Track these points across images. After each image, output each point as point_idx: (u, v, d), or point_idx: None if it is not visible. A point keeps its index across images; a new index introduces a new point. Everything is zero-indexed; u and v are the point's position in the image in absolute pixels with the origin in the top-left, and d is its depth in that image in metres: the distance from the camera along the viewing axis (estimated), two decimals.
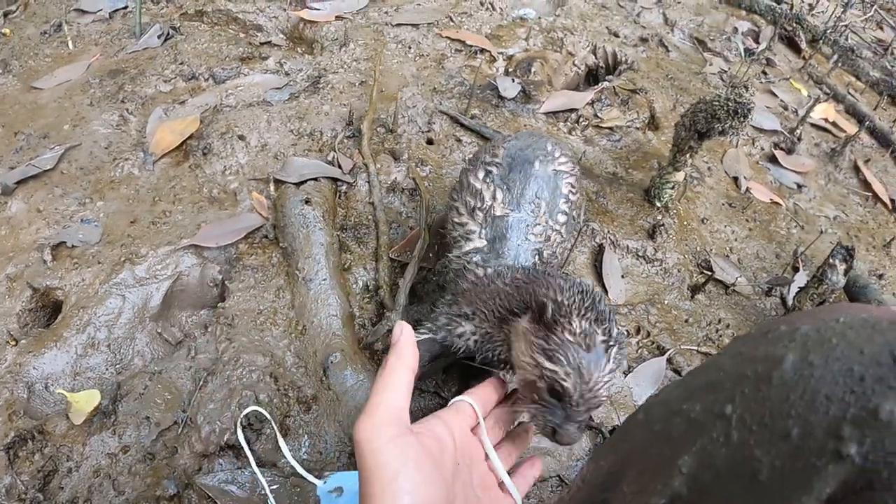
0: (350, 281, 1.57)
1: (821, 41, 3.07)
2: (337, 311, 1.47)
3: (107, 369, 1.36)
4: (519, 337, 1.03)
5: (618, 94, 2.32)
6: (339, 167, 1.79)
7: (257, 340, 1.42)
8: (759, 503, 0.51)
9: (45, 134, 1.87)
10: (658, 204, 1.89)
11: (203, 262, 1.53)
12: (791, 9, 3.18)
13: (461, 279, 1.24)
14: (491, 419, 0.99)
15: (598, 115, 2.22)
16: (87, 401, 1.27)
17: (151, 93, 2.04)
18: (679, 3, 3.12)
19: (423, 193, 1.73)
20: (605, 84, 2.35)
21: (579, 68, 2.49)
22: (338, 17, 2.43)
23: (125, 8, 2.44)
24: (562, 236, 1.31)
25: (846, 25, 3.19)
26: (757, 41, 3.01)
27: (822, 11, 3.40)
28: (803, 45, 3.06)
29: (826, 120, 2.59)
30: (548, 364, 0.95)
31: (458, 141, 1.97)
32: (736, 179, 2.16)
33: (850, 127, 2.60)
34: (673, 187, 1.86)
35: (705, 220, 1.94)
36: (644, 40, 2.73)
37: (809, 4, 3.45)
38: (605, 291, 1.66)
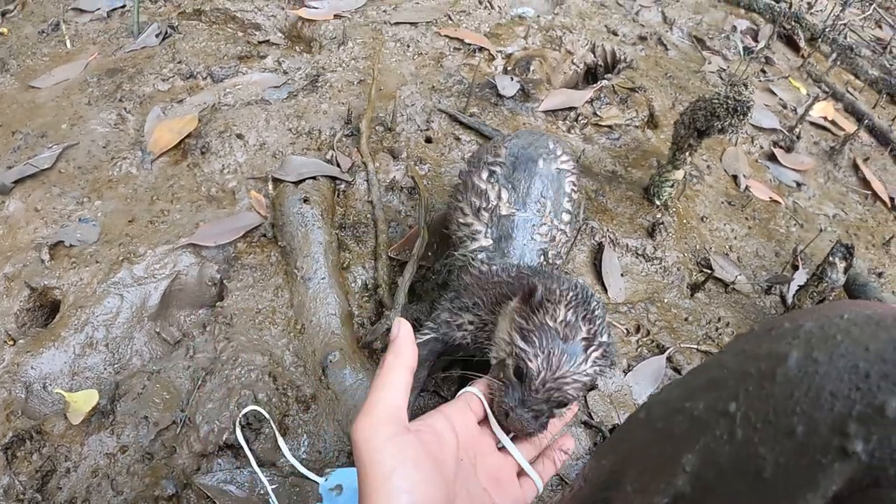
0: (349, 280, 1.57)
1: (820, 39, 3.07)
2: (336, 309, 1.46)
3: (105, 369, 1.35)
4: (505, 316, 1.04)
5: (617, 92, 2.32)
6: (338, 166, 1.78)
7: (256, 339, 1.41)
8: (764, 501, 0.50)
9: (42, 133, 1.86)
10: (657, 202, 1.89)
11: (201, 262, 1.53)
12: (790, 7, 3.18)
13: (465, 274, 1.24)
14: None
15: (597, 113, 2.21)
16: (85, 400, 1.27)
17: (149, 92, 2.03)
18: (678, 1, 3.12)
19: (422, 192, 1.72)
20: (604, 82, 2.34)
21: (578, 67, 2.49)
22: (336, 16, 2.43)
23: (123, 7, 2.43)
24: (566, 236, 1.31)
25: (845, 24, 3.19)
26: (756, 39, 3.01)
27: (821, 10, 3.40)
28: (802, 44, 3.06)
29: (825, 118, 2.59)
30: (520, 342, 0.94)
31: (457, 139, 1.96)
32: (735, 178, 2.15)
33: (849, 125, 2.60)
34: (672, 185, 1.85)
35: (705, 219, 1.94)
36: (643, 39, 2.73)
37: (808, 3, 3.45)
38: (605, 290, 1.66)
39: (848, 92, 2.82)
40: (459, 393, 0.97)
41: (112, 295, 1.43)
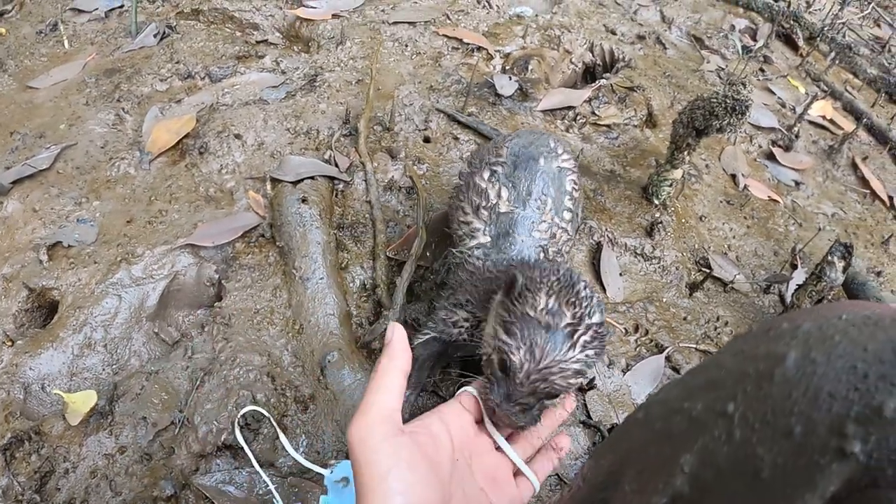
0: (347, 280, 1.56)
1: (818, 38, 3.07)
2: (334, 309, 1.46)
3: (103, 370, 1.35)
4: (491, 311, 1.02)
5: (615, 91, 2.32)
6: (336, 166, 1.78)
7: (254, 340, 1.41)
8: (762, 501, 0.50)
9: (41, 133, 1.86)
10: (656, 201, 1.89)
11: (199, 262, 1.53)
12: (788, 6, 3.18)
13: (460, 270, 1.24)
14: None
15: (596, 112, 2.21)
16: (83, 401, 1.27)
17: (147, 92, 2.03)
18: (676, 0, 3.12)
19: (420, 192, 1.72)
20: (603, 82, 2.34)
21: (576, 66, 2.49)
22: (334, 16, 2.43)
23: (121, 7, 2.43)
24: (567, 234, 1.30)
25: (843, 23, 3.19)
26: (754, 39, 3.01)
27: (820, 9, 3.40)
28: (801, 43, 3.06)
29: (824, 117, 2.59)
30: (503, 335, 0.92)
31: (456, 139, 1.96)
32: (734, 177, 2.15)
33: (848, 124, 2.60)
34: (671, 185, 1.85)
35: (703, 218, 1.94)
36: (641, 38, 2.73)
37: (807, 2, 3.45)
38: (604, 289, 1.66)
39: (846, 91, 2.82)
40: (458, 392, 0.97)
41: (110, 295, 1.43)
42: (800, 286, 1.69)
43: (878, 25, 3.56)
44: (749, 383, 0.56)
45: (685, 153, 1.74)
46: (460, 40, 2.39)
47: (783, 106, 2.59)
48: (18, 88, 2.08)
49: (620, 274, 1.71)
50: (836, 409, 0.48)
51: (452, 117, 2.02)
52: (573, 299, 0.92)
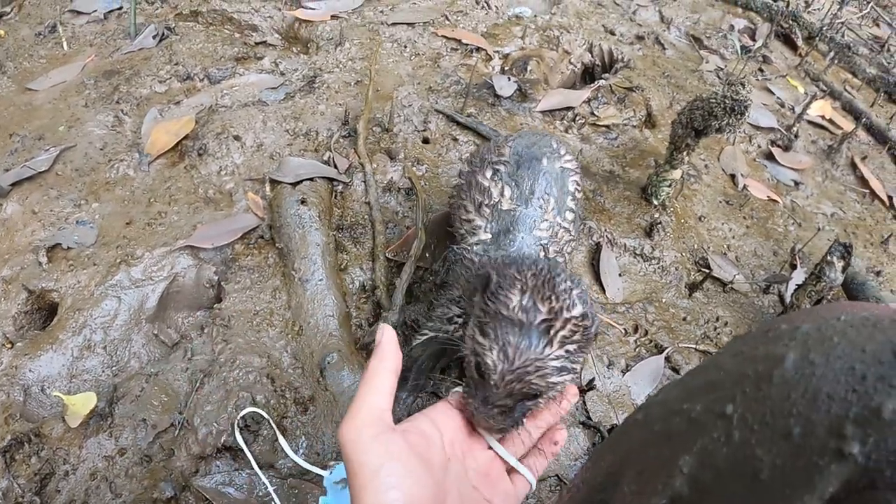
0: (346, 281, 1.56)
1: (817, 38, 3.07)
2: (333, 311, 1.46)
3: (103, 371, 1.35)
4: (472, 310, 1.00)
5: (614, 92, 2.32)
6: (335, 167, 1.78)
7: (254, 341, 1.41)
8: (761, 503, 0.50)
9: (39, 135, 1.86)
10: (655, 202, 1.89)
11: (199, 264, 1.53)
12: (787, 6, 3.18)
13: (458, 266, 1.24)
14: None
15: (595, 113, 2.21)
16: (83, 403, 1.27)
17: (146, 93, 2.03)
18: (675, 0, 3.12)
19: (420, 193, 1.72)
20: (602, 82, 2.34)
21: (575, 66, 2.49)
22: (333, 17, 2.43)
23: (120, 8, 2.43)
24: (570, 234, 1.30)
25: (842, 22, 3.19)
26: (753, 38, 3.02)
27: (819, 8, 3.40)
28: (800, 43, 3.06)
29: (823, 117, 2.59)
30: (479, 336, 0.89)
31: (455, 140, 1.96)
32: (733, 177, 2.15)
33: (847, 124, 2.60)
34: (670, 185, 1.85)
35: (703, 218, 1.94)
36: (640, 38, 2.73)
37: (805, 1, 3.45)
38: (603, 290, 1.66)
39: (846, 90, 2.83)
40: (451, 392, 0.96)
41: (110, 297, 1.43)
42: (799, 286, 1.69)
43: (877, 25, 3.56)
44: (748, 384, 0.56)
45: (684, 153, 1.74)
46: (459, 41, 2.39)
47: (782, 106, 2.59)
48: (17, 90, 2.08)
49: (620, 274, 1.71)
50: (834, 411, 0.48)
51: (451, 118, 2.02)
52: (549, 294, 0.88)
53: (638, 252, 1.77)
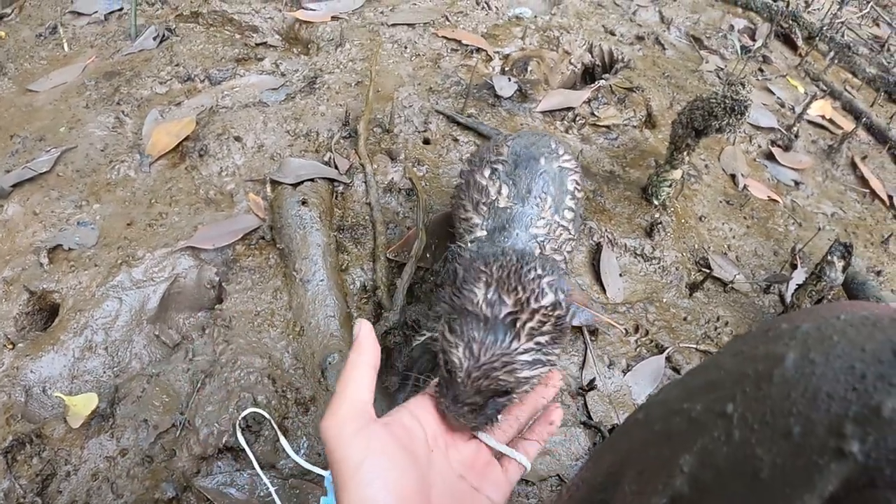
0: (347, 281, 1.57)
1: (817, 38, 3.07)
2: (335, 311, 1.46)
3: (104, 372, 1.35)
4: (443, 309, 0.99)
5: (614, 92, 2.32)
6: (336, 168, 1.78)
7: (255, 342, 1.41)
8: (761, 502, 0.50)
9: (40, 137, 1.86)
10: (656, 202, 1.89)
11: (200, 264, 1.53)
12: (787, 6, 3.18)
13: (452, 264, 1.24)
14: None
15: (595, 113, 2.21)
16: (84, 404, 1.27)
17: (147, 95, 2.03)
18: (675, 0, 3.12)
19: (420, 193, 1.72)
20: (602, 82, 2.34)
21: (576, 67, 2.49)
22: (333, 18, 2.43)
23: (120, 10, 2.43)
24: (569, 232, 1.30)
25: (842, 22, 3.19)
26: (753, 38, 3.02)
27: (819, 8, 3.40)
28: (800, 43, 3.06)
29: (823, 117, 2.59)
30: (447, 333, 0.88)
31: (455, 140, 1.96)
32: (733, 177, 2.16)
33: (847, 124, 2.60)
34: (670, 185, 1.86)
35: (703, 218, 1.94)
36: (640, 38, 2.73)
37: (805, 1, 3.45)
38: (604, 290, 1.66)
39: (846, 90, 2.83)
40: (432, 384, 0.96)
41: (111, 298, 1.43)
42: (800, 286, 1.69)
43: (877, 25, 3.57)
44: (748, 384, 0.56)
45: (684, 153, 1.74)
46: (459, 42, 2.40)
47: (782, 106, 2.59)
48: (18, 92, 2.08)
49: (620, 274, 1.71)
50: (834, 410, 0.48)
51: (452, 119, 2.02)
52: (515, 285, 0.86)
53: (638, 252, 1.77)
